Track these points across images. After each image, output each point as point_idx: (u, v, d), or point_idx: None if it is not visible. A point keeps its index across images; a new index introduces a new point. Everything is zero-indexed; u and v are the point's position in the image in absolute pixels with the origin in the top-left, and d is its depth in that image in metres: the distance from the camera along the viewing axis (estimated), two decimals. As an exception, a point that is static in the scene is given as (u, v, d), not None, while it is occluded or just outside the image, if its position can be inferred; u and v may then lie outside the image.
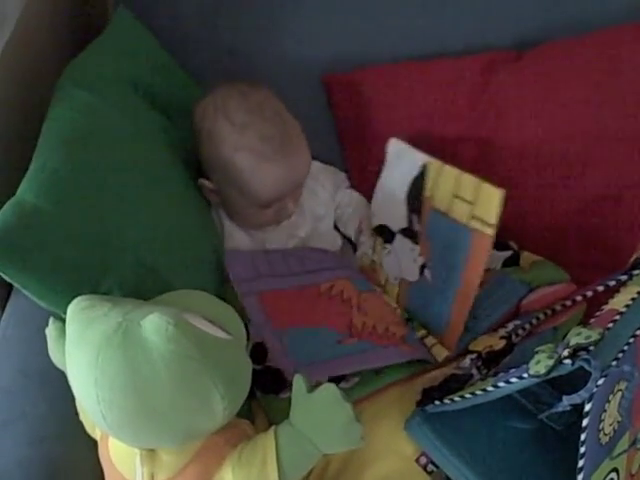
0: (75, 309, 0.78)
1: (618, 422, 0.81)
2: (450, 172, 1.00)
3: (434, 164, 1.02)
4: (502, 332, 1.00)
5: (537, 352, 0.79)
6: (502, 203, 0.92)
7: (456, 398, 0.87)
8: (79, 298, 0.79)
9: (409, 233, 1.07)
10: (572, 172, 1.11)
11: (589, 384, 0.75)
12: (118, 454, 0.82)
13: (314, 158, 1.19)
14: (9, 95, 1.03)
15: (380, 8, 1.14)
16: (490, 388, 0.83)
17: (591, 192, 1.11)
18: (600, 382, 0.75)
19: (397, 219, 1.08)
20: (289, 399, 0.85)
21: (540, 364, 0.77)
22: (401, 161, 1.08)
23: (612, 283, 0.97)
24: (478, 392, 0.85)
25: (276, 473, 0.77)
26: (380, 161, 1.13)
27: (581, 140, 1.10)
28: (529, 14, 1.13)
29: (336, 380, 0.95)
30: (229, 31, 1.18)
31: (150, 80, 1.11)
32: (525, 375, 0.79)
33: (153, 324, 0.73)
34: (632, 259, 0.95)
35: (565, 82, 1.09)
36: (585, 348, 0.77)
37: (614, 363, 0.77)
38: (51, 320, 0.87)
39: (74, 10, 1.23)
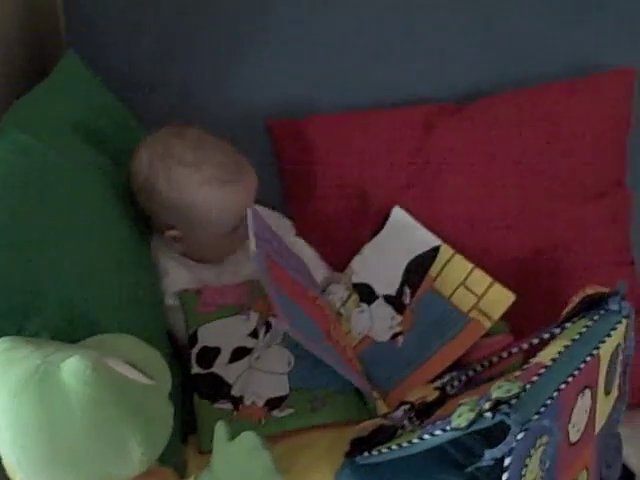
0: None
1: (541, 478, 0.81)
2: (462, 263, 1.08)
3: (447, 250, 1.09)
4: (437, 383, 1.01)
5: (460, 404, 0.79)
6: None
7: (383, 449, 0.86)
8: (2, 339, 0.79)
9: (394, 301, 1.11)
10: (509, 224, 1.13)
11: (508, 438, 0.75)
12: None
13: (258, 203, 1.21)
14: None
15: (328, 57, 1.17)
16: (415, 440, 0.83)
17: (529, 244, 1.13)
18: (520, 436, 0.75)
19: (385, 285, 1.12)
20: (222, 411, 0.93)
21: (462, 417, 0.77)
22: (406, 234, 1.13)
23: (546, 336, 0.97)
24: (404, 444, 0.84)
25: (195, 526, 0.76)
26: (323, 209, 1.16)
27: (517, 193, 1.12)
28: (470, 69, 1.16)
29: (271, 406, 0.96)
30: (180, 76, 1.19)
31: (94, 123, 1.12)
32: (448, 428, 0.79)
33: (71, 367, 0.72)
34: (564, 312, 0.96)
35: (502, 136, 1.12)
36: (506, 402, 0.77)
37: (535, 417, 0.77)
38: None
39: (28, 53, 1.23)
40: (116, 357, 0.77)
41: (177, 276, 1.10)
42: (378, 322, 1.10)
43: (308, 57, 1.18)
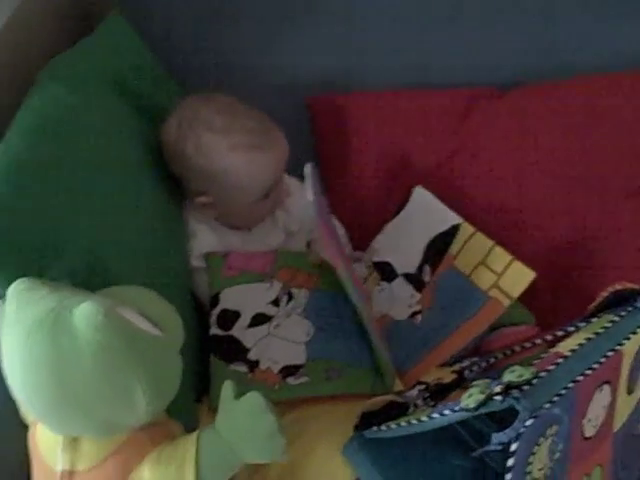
0: (14, 290, 0.78)
1: (550, 469, 0.79)
2: (483, 241, 1.06)
3: (467, 228, 1.08)
4: (456, 367, 1.00)
5: (472, 386, 0.78)
6: None
7: (392, 425, 0.86)
8: (20, 280, 0.79)
9: (414, 280, 1.10)
10: (543, 215, 1.10)
11: (516, 423, 0.74)
12: (44, 439, 0.82)
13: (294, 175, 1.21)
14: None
15: (370, 36, 1.15)
16: (424, 418, 0.82)
17: (562, 236, 1.11)
18: (528, 422, 0.73)
19: (406, 263, 1.11)
20: (236, 373, 0.94)
21: (471, 398, 0.76)
22: (427, 212, 1.12)
23: (571, 329, 0.95)
24: (413, 421, 0.83)
25: (193, 476, 0.76)
26: (357, 186, 1.15)
27: (553, 184, 1.09)
28: (515, 55, 1.13)
29: (285, 373, 0.97)
30: (219, 44, 1.19)
31: (133, 82, 1.12)
32: (456, 408, 0.77)
33: (83, 312, 0.73)
34: (591, 306, 0.94)
35: (541, 124, 1.10)
36: (518, 386, 0.75)
37: (547, 406, 0.75)
38: None
39: (75, 7, 1.24)
40: (129, 307, 0.77)
41: (204, 239, 1.11)
42: (398, 300, 1.09)
43: (352, 33, 1.16)
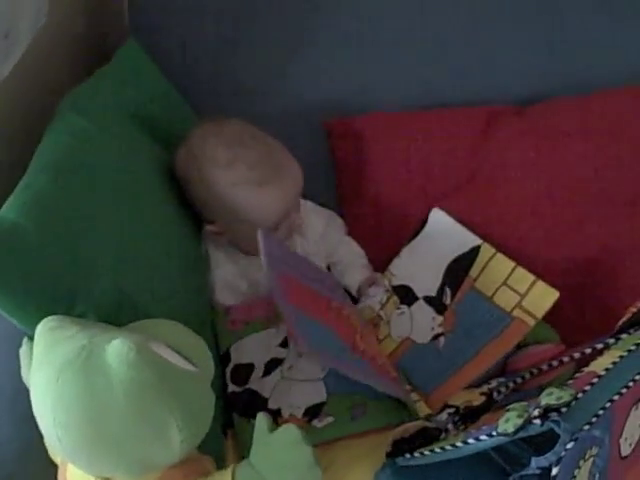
0: (43, 329, 0.78)
1: (590, 490, 0.78)
2: (504, 262, 1.05)
3: (487, 249, 1.07)
4: (484, 388, 0.99)
5: (509, 410, 0.77)
6: None
7: (426, 452, 0.85)
8: (48, 318, 0.79)
9: (435, 302, 1.09)
10: (568, 232, 1.09)
11: (557, 447, 0.73)
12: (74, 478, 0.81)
13: (312, 200, 1.20)
14: (13, 118, 1.04)
15: (385, 57, 1.15)
16: (459, 444, 0.81)
17: (587, 253, 1.10)
18: (569, 446, 0.73)
19: (426, 286, 1.11)
20: None
21: (509, 422, 0.75)
22: (446, 235, 1.12)
23: (599, 346, 0.94)
24: (448, 447, 0.82)
25: (231, 511, 0.75)
26: (375, 209, 1.15)
27: (578, 200, 1.09)
28: (533, 70, 1.13)
29: (310, 415, 0.94)
30: (234, 69, 1.19)
31: (150, 110, 1.12)
32: (494, 433, 0.77)
33: (116, 349, 0.72)
34: (620, 322, 0.93)
35: (564, 141, 1.09)
36: (556, 409, 0.75)
37: (586, 427, 0.75)
38: (25, 340, 0.86)
39: (90, 37, 1.25)
40: (160, 342, 0.77)
41: (224, 269, 1.10)
42: (418, 323, 1.08)
43: (368, 55, 1.16)
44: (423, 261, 1.12)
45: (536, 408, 0.74)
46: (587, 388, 0.80)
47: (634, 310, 0.93)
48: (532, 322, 1.00)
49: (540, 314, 1.01)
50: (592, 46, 1.13)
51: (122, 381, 0.71)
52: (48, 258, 0.83)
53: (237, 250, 1.12)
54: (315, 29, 1.16)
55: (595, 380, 0.81)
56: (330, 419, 0.96)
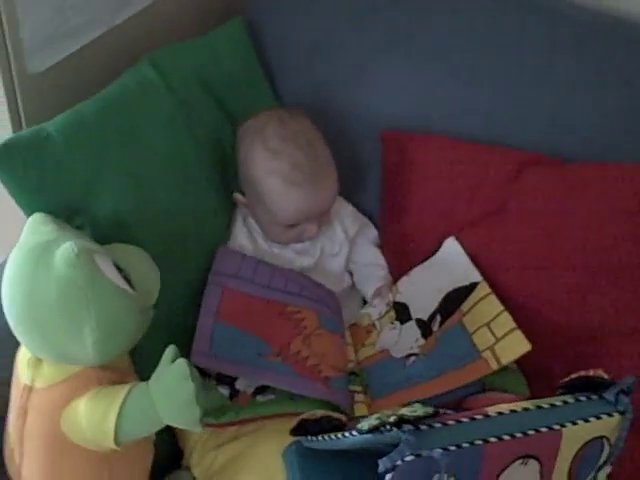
0: (31, 221, 0.92)
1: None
2: (494, 303, 1.06)
3: (483, 288, 1.09)
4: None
5: (375, 413, 0.80)
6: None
7: (319, 437, 0.89)
8: (41, 213, 0.93)
9: (423, 326, 1.12)
10: (569, 298, 1.07)
11: (393, 454, 0.75)
12: (20, 356, 0.94)
13: (357, 207, 1.26)
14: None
15: (456, 83, 1.17)
16: (340, 435, 0.85)
17: (585, 321, 1.07)
18: (408, 458, 0.74)
19: (421, 309, 1.14)
20: (218, 392, 1.03)
21: (366, 422, 0.79)
22: (453, 265, 1.14)
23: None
24: (333, 436, 0.86)
25: (114, 420, 0.84)
26: (406, 226, 1.19)
27: (584, 270, 1.06)
28: (590, 127, 1.10)
29: (256, 393, 1.02)
30: (321, 68, 1.27)
31: (229, 88, 1.22)
32: (354, 432, 0.81)
33: (63, 249, 0.84)
34: (557, 385, 0.91)
35: (588, 204, 1.06)
36: (410, 421, 0.77)
37: (438, 451, 0.76)
38: None
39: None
40: (110, 259, 0.88)
41: (240, 243, 1.19)
42: (402, 341, 1.11)
43: (442, 77, 1.19)
44: (426, 285, 1.14)
45: (392, 416, 0.77)
46: (464, 420, 0.80)
47: (574, 376, 0.90)
48: (495, 366, 1.00)
49: (505, 361, 1.00)
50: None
51: (57, 276, 0.83)
52: (66, 171, 0.98)
53: (259, 232, 1.21)
54: (397, 43, 1.21)
55: (479, 417, 0.81)
56: (271, 396, 1.03)
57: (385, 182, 1.22)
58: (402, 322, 1.14)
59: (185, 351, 0.97)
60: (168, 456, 1.08)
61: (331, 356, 1.08)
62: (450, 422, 0.79)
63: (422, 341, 1.10)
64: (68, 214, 0.98)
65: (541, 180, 1.09)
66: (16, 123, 1.06)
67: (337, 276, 1.24)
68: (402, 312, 1.15)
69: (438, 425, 0.79)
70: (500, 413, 0.82)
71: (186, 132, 1.13)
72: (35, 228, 0.91)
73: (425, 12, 1.21)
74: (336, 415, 0.91)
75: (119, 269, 0.89)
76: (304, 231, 1.18)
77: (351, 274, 1.27)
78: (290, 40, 1.29)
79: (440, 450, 0.75)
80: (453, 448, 0.77)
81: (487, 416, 0.82)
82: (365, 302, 1.25)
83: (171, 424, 0.86)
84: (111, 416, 0.84)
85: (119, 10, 1.17)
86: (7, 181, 0.95)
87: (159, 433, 0.91)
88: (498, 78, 1.16)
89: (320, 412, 0.91)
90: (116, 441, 0.85)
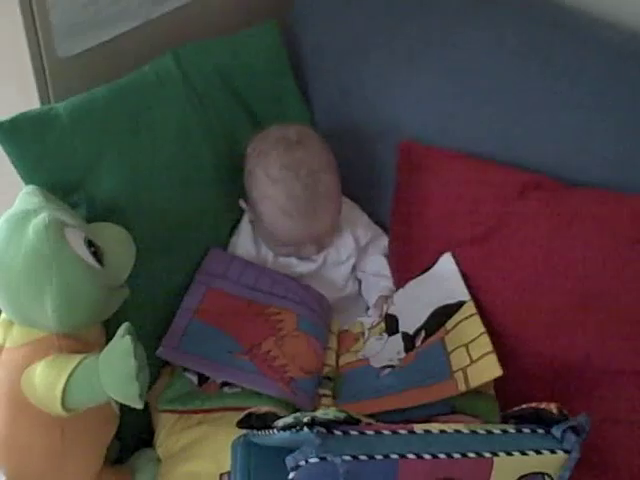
0: (25, 190, 0.98)
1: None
2: (476, 325, 1.04)
3: (469, 308, 1.07)
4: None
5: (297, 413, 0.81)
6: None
7: (259, 432, 0.89)
8: (34, 186, 0.99)
9: (407, 340, 1.11)
10: (559, 327, 1.02)
11: (296, 453, 0.75)
12: (-1, 315, 1.00)
13: (370, 215, 1.26)
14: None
15: (477, 100, 1.15)
16: (270, 431, 0.85)
17: (569, 357, 1.02)
18: (312, 460, 0.74)
19: (409, 323, 1.13)
20: (187, 379, 1.05)
21: (281, 420, 0.79)
22: (444, 281, 1.12)
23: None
24: (265, 432, 0.86)
25: (62, 387, 0.88)
26: (411, 238, 1.18)
27: (578, 299, 1.01)
28: (611, 151, 1.05)
29: (224, 384, 1.05)
30: (348, 75, 1.27)
31: (254, 91, 1.24)
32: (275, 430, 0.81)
33: (36, 219, 0.90)
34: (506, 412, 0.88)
35: (585, 233, 1.01)
36: (322, 423, 0.76)
37: (346, 457, 0.75)
38: None
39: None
40: (82, 235, 0.92)
41: (242, 244, 1.21)
42: (385, 352, 1.10)
43: (455, 94, 1.17)
44: (416, 300, 1.13)
45: (307, 417, 0.77)
46: (386, 432, 0.79)
47: (524, 406, 0.87)
48: (463, 388, 0.97)
49: (474, 384, 0.97)
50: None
51: (26, 244, 0.89)
52: (68, 149, 1.03)
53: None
54: (423, 57, 1.20)
55: (403, 432, 0.79)
56: (238, 389, 1.05)
57: (396, 192, 1.21)
58: (390, 334, 1.13)
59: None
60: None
61: (302, 358, 1.08)
62: (369, 432, 0.78)
63: (403, 355, 1.08)
64: (67, 190, 1.03)
65: (541, 203, 1.05)
66: (45, 104, 1.13)
67: (337, 284, 1.24)
68: (391, 324, 1.14)
69: (354, 433, 0.78)
70: (427, 431, 0.81)
71: (199, 128, 1.16)
72: (24, 198, 0.97)
73: (452, 27, 1.19)
74: (281, 412, 0.91)
75: (93, 245, 0.93)
76: (302, 250, 1.20)
77: (360, 282, 1.27)
78: (325, 46, 1.30)
79: (341, 457, 0.74)
80: (364, 457, 0.76)
81: (412, 432, 0.80)
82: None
83: (113, 397, 0.88)
84: (60, 382, 0.88)
85: (156, 4, 1.22)
86: (10, 152, 1.01)
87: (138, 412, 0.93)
88: (518, 98, 1.13)
89: (265, 408, 0.92)
90: (64, 406, 0.89)
